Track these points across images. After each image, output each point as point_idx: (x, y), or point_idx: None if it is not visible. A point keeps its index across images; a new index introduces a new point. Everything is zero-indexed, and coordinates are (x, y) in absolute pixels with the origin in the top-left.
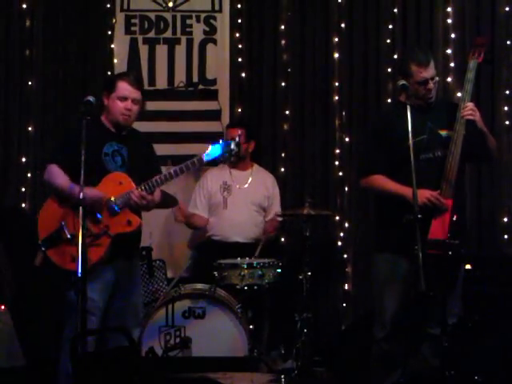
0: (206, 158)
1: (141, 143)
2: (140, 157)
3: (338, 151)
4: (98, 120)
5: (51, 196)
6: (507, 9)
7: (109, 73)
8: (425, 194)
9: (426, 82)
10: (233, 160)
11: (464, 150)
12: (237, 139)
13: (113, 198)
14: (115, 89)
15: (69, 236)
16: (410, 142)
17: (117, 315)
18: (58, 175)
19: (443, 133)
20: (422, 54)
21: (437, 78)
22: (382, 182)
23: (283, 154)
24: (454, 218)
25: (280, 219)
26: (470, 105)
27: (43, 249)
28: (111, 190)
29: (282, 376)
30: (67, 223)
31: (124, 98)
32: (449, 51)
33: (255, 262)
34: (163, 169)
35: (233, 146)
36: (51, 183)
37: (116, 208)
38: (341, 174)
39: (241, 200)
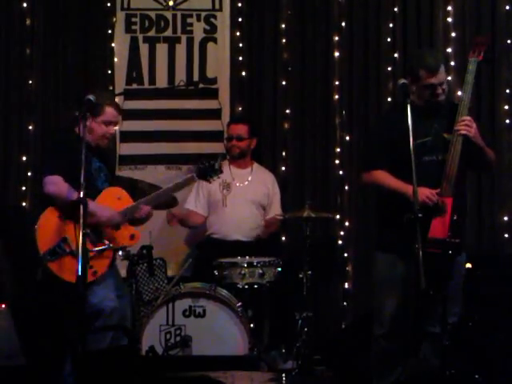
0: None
1: (110, 158)
2: (113, 172)
3: (338, 150)
4: (78, 135)
5: (50, 208)
6: (507, 8)
7: (109, 71)
8: (424, 192)
9: (434, 87)
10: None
11: (464, 152)
12: (219, 161)
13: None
14: (103, 113)
15: (73, 248)
16: (411, 140)
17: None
18: (67, 187)
19: (448, 136)
20: (433, 58)
21: (445, 85)
22: (384, 177)
23: (283, 153)
24: (455, 217)
25: (280, 217)
26: (466, 120)
27: (45, 262)
28: (110, 204)
29: (283, 375)
30: (70, 237)
31: (109, 123)
32: (449, 50)
33: (255, 261)
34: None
35: (216, 166)
36: (64, 198)
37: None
38: (341, 172)
39: (240, 198)
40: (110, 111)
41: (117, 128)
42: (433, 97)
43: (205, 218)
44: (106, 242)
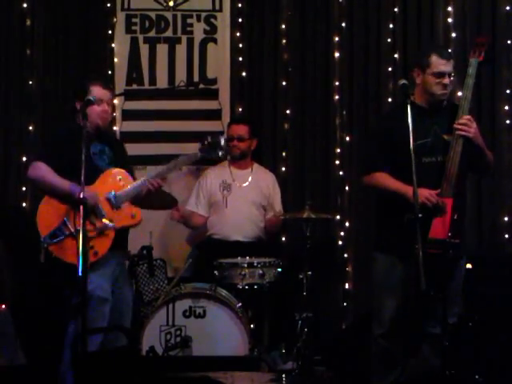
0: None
1: (116, 141)
2: (120, 154)
3: (338, 150)
4: (77, 124)
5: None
6: (508, 8)
7: (109, 72)
8: (424, 194)
9: (443, 75)
10: (220, 156)
11: (464, 152)
12: (224, 137)
13: (114, 193)
14: (89, 94)
15: (73, 231)
16: (411, 141)
17: (113, 312)
18: (51, 174)
19: (448, 137)
20: (445, 50)
21: (453, 79)
22: (384, 179)
23: (284, 154)
24: (455, 217)
25: (281, 217)
26: (465, 119)
27: (45, 245)
28: (111, 185)
29: (283, 375)
30: (70, 219)
31: (100, 102)
32: (449, 51)
33: (256, 262)
34: None
35: (222, 142)
36: (45, 181)
37: (119, 202)
38: (341, 173)
39: (241, 199)
40: (95, 89)
41: (116, 102)
42: (439, 88)
43: (206, 219)
44: (107, 222)
